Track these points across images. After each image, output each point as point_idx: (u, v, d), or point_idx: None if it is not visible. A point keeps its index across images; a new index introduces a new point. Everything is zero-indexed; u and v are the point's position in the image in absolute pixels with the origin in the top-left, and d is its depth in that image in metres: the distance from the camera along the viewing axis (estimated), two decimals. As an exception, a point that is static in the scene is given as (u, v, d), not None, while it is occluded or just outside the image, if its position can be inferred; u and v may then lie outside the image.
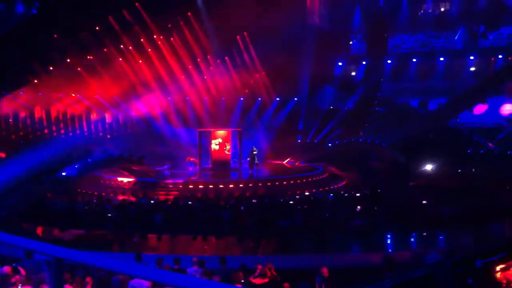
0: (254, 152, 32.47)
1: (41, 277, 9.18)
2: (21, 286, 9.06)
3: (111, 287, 9.60)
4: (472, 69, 37.75)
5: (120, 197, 24.25)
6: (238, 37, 37.32)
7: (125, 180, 28.64)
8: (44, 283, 8.84)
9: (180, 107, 39.32)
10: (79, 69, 34.05)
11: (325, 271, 9.52)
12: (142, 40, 35.25)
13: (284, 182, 29.20)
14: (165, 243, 15.99)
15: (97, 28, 31.89)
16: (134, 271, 3.00)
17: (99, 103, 36.58)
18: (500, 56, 37.23)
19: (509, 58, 36.68)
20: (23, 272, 10.24)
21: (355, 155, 34.75)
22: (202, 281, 2.57)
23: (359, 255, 14.59)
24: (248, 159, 32.69)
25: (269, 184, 28.65)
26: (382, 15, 37.04)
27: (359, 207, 18.33)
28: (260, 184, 28.46)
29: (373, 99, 38.79)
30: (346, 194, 24.27)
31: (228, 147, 33.42)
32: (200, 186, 27.91)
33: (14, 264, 10.47)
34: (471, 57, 37.40)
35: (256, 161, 32.31)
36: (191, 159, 33.01)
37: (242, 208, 18.59)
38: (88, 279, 9.13)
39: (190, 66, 37.62)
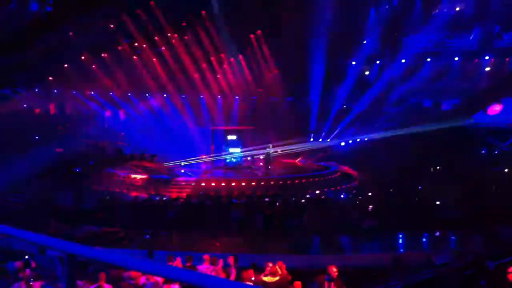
0: (270, 151, 32.53)
1: (53, 273, 9.29)
2: (33, 281, 9.17)
3: (122, 282, 9.68)
4: (487, 69, 37.44)
5: (133, 194, 24.39)
6: (252, 36, 37.34)
7: (138, 177, 28.80)
8: (56, 279, 8.95)
9: (194, 106, 39.42)
10: (93, 66, 34.27)
11: (333, 270, 9.51)
12: (156, 38, 35.40)
13: (296, 181, 29.20)
14: (176, 240, 16.06)
15: (111, 26, 32.07)
16: (146, 268, 3.04)
17: (112, 100, 36.80)
18: (515, 57, 36.94)
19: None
20: (34, 265, 10.36)
21: (367, 155, 34.66)
22: (213, 278, 2.60)
23: (370, 256, 14.54)
24: (262, 157, 32.76)
25: (281, 182, 28.66)
26: (396, 14, 36.86)
27: (370, 207, 18.27)
28: (272, 183, 28.48)
29: (386, 99, 38.67)
30: (358, 194, 24.21)
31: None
32: (213, 184, 27.98)
33: (26, 257, 10.59)
34: (486, 58, 37.09)
35: (271, 160, 32.35)
36: (204, 157, 33.15)
37: (253, 206, 18.61)
38: (101, 275, 9.20)
39: (203, 65, 37.71)
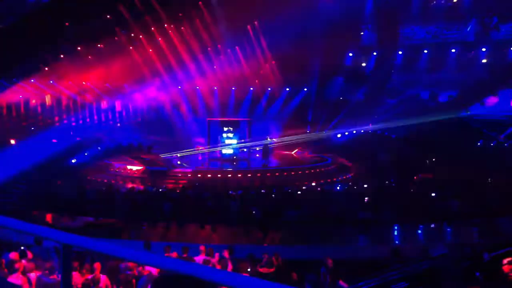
0: (267, 143, 32.67)
1: (50, 264, 9.28)
2: (29, 272, 9.16)
3: (119, 274, 9.69)
4: (484, 61, 37.45)
5: (129, 185, 24.39)
6: (248, 26, 37.22)
7: (135, 168, 28.80)
8: (52, 270, 8.95)
9: (190, 97, 39.34)
10: (89, 57, 34.13)
11: (329, 261, 9.54)
12: (152, 29, 35.26)
13: (293, 173, 29.25)
14: (173, 232, 16.07)
15: (108, 16, 31.92)
16: (142, 259, 3.04)
17: (109, 91, 36.69)
18: (512, 49, 36.93)
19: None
20: (30, 255, 10.35)
21: (364, 146, 34.72)
22: (209, 268, 2.60)
23: (366, 247, 14.59)
24: (259, 148, 32.88)
25: (277, 174, 28.70)
26: (393, 6, 36.78)
27: (366, 198, 18.31)
28: (268, 174, 28.52)
29: (383, 91, 38.67)
30: (354, 186, 24.26)
31: None
32: (209, 176, 28.00)
33: (22, 248, 10.58)
34: (483, 49, 37.07)
35: (269, 152, 32.56)
36: (200, 148, 33.15)
37: (250, 198, 18.63)
38: (96, 265, 9.21)
39: (200, 56, 37.60)
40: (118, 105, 37.94)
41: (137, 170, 28.70)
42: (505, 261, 9.03)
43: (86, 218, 17.26)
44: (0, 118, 30.58)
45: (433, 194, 18.75)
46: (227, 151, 33.62)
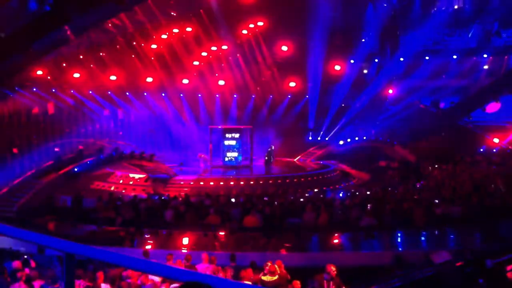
0: (271, 150, 32.86)
1: (53, 272, 9.29)
2: (32, 281, 9.16)
3: (122, 282, 9.68)
4: (485, 67, 37.49)
5: (131, 193, 24.36)
6: (250, 34, 37.33)
7: (136, 176, 28.77)
8: (55, 278, 8.95)
9: (192, 104, 39.38)
10: (91, 65, 34.19)
11: (332, 269, 9.52)
12: (154, 37, 35.38)
13: (295, 180, 29.20)
14: (175, 240, 16.05)
15: (109, 25, 32.03)
16: (144, 267, 3.04)
17: (111, 99, 36.72)
18: (513, 55, 36.95)
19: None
20: (33, 264, 10.36)
21: (366, 153, 34.70)
22: (212, 277, 2.60)
23: (368, 254, 14.54)
24: (266, 158, 33.05)
25: (279, 181, 28.66)
26: (394, 13, 36.89)
27: (369, 205, 18.25)
28: (270, 182, 28.47)
29: (384, 98, 38.70)
30: (356, 192, 24.22)
31: None
32: (211, 183, 27.98)
33: (25, 257, 10.59)
34: (485, 56, 37.11)
35: (272, 159, 32.69)
36: (202, 156, 33.12)
37: (252, 205, 18.59)
38: (99, 274, 9.20)
39: (202, 63, 37.70)
40: (120, 113, 37.98)
41: (139, 178, 28.68)
42: (509, 267, 8.99)
43: (88, 227, 17.25)
44: (2, 127, 30.60)
45: (436, 200, 18.71)
46: (230, 158, 33.57)
